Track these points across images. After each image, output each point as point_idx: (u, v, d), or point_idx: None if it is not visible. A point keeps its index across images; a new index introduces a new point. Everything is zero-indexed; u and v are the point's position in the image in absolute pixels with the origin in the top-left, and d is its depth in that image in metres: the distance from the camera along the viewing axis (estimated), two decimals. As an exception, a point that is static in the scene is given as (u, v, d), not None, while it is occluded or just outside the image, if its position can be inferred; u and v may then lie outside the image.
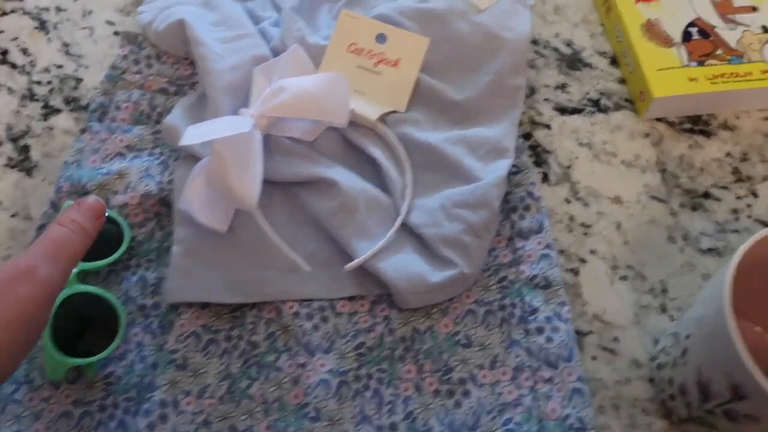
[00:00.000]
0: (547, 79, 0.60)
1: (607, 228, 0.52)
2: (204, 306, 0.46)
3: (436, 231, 0.47)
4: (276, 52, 0.55)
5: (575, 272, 0.50)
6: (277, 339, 0.46)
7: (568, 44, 0.62)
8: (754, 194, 0.54)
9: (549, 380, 0.44)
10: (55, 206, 0.50)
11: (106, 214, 0.42)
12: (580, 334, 0.47)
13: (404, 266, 0.46)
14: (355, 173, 0.50)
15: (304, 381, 0.44)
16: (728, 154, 0.56)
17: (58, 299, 0.40)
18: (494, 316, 0.47)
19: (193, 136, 0.44)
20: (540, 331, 0.45)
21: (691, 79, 0.55)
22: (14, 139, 0.55)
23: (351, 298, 0.47)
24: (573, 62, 0.61)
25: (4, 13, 0.62)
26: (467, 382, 0.44)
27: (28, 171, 0.54)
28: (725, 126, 0.57)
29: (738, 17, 0.59)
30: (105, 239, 0.45)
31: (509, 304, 0.47)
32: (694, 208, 0.53)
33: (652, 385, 0.46)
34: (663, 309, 0.49)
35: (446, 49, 0.55)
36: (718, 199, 0.54)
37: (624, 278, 0.50)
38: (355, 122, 0.52)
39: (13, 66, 0.59)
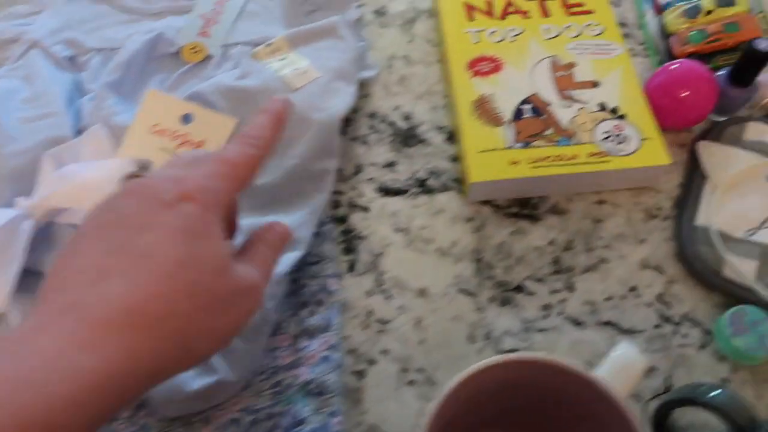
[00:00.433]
0: (376, 157, 0.57)
1: (405, 324, 0.50)
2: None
3: (203, 332, 0.45)
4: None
5: (361, 375, 0.48)
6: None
7: (407, 118, 0.60)
8: (570, 288, 0.51)
9: None
10: None
11: None
12: (352, 444, 0.45)
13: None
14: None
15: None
16: (551, 242, 0.53)
17: None
18: (259, 426, 0.45)
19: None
20: (302, 445, 0.43)
21: (512, 163, 0.53)
22: None
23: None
24: (407, 138, 0.58)
25: None
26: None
27: None
28: (555, 210, 0.55)
29: (577, 93, 0.57)
30: None
31: (278, 413, 0.45)
32: (503, 303, 0.50)
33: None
34: (447, 417, 0.46)
35: (255, 130, 0.53)
36: (531, 293, 0.51)
37: (412, 383, 0.47)
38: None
39: None
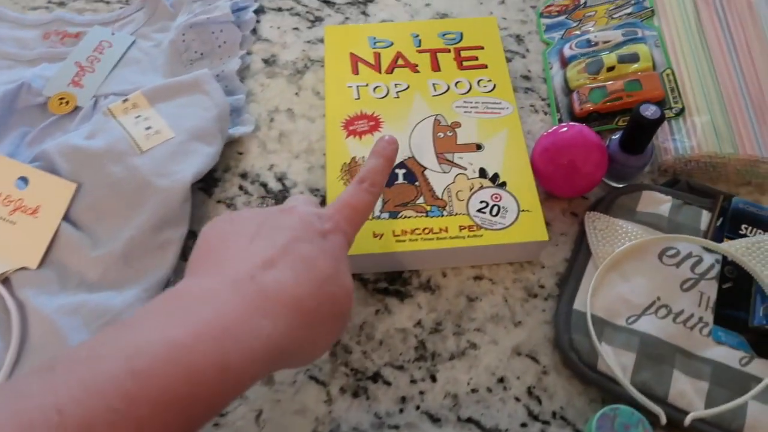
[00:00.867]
0: (241, 222, 0.53)
1: (244, 417, 0.45)
2: None
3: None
4: None
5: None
6: None
7: (281, 178, 0.55)
8: (433, 377, 0.46)
9: None
10: None
11: None
12: None
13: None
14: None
15: None
16: (418, 323, 0.48)
17: None
18: None
19: None
20: None
21: (376, 236, 0.48)
22: None
23: None
24: (278, 201, 0.54)
25: None
26: None
27: None
28: (427, 286, 0.50)
29: (457, 157, 0.52)
30: None
31: None
32: (356, 394, 0.46)
33: None
34: None
35: (97, 195, 0.49)
36: (388, 383, 0.46)
37: (240, 486, 0.43)
38: (-28, 282, 0.46)
39: None
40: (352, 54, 0.58)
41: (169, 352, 0.28)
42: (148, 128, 0.51)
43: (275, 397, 0.45)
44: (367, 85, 0.56)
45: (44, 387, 0.26)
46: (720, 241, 0.49)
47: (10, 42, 0.63)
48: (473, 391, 0.46)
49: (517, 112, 0.54)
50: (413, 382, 0.46)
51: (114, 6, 0.67)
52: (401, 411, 0.45)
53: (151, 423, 0.26)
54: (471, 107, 0.55)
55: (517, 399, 0.45)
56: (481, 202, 0.49)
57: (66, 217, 0.48)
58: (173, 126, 0.51)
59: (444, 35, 0.60)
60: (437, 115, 0.54)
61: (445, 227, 0.48)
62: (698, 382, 0.43)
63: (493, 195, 0.50)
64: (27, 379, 0.27)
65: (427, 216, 0.49)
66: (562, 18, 0.65)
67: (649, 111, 0.48)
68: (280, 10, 0.67)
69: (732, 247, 0.47)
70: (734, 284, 0.47)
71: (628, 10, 0.63)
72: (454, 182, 0.51)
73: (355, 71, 0.57)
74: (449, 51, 0.59)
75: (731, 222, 0.49)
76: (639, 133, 0.49)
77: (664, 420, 0.42)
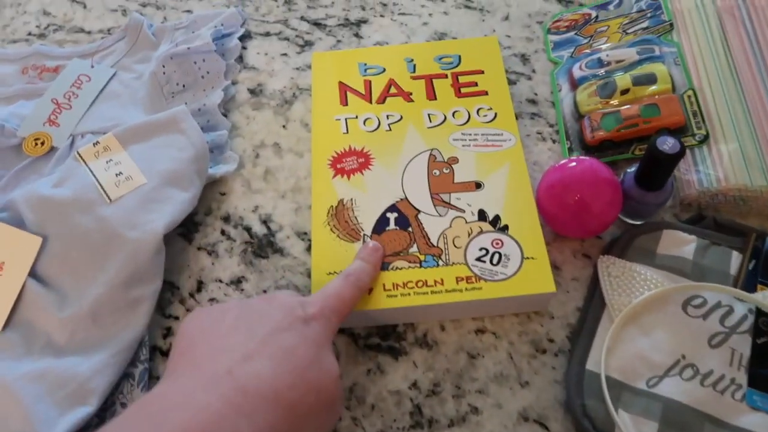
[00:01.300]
0: (223, 271, 0.49)
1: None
2: None
3: None
4: None
5: None
6: None
7: (266, 221, 0.51)
8: (430, 449, 0.42)
9: None
10: None
11: None
12: None
13: None
14: None
15: None
16: (414, 385, 0.44)
17: None
18: None
19: None
20: None
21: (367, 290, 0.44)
22: None
23: None
24: (263, 247, 0.50)
25: None
26: None
27: None
28: (423, 341, 0.45)
29: (455, 198, 0.47)
30: None
31: None
32: (344, 468, 0.41)
33: None
34: None
35: (64, 249, 0.45)
36: (380, 455, 0.42)
37: None
38: (-69, 347, 0.43)
39: None
40: (340, 83, 0.54)
41: None
42: (118, 174, 0.47)
43: (255, 471, 0.41)
44: (356, 117, 0.52)
45: None
46: (753, 287, 0.43)
47: (-13, 78, 0.60)
48: (474, 463, 0.41)
49: (521, 144, 0.50)
50: (407, 453, 0.41)
51: (95, 36, 0.64)
52: (394, 487, 0.41)
53: None
54: (470, 140, 0.50)
55: (524, 473, 0.41)
56: (481, 249, 0.45)
57: (32, 273, 0.45)
58: (146, 170, 0.47)
59: (440, 59, 0.55)
60: (432, 149, 0.50)
61: (440, 279, 0.44)
62: (731, 457, 0.38)
63: (493, 241, 0.45)
64: None
65: (421, 267, 0.44)
66: (571, 34, 0.60)
67: (667, 144, 0.42)
68: (267, 34, 0.63)
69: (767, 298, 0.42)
70: (770, 339, 0.41)
71: (644, 25, 0.57)
72: (450, 227, 0.46)
73: (344, 102, 0.53)
74: (446, 76, 0.54)
75: (765, 265, 0.44)
76: (656, 169, 0.44)
77: (691, 504, 0.37)
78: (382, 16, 0.64)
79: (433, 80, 0.54)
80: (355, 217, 0.47)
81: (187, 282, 0.49)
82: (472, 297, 0.43)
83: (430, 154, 0.49)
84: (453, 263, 0.44)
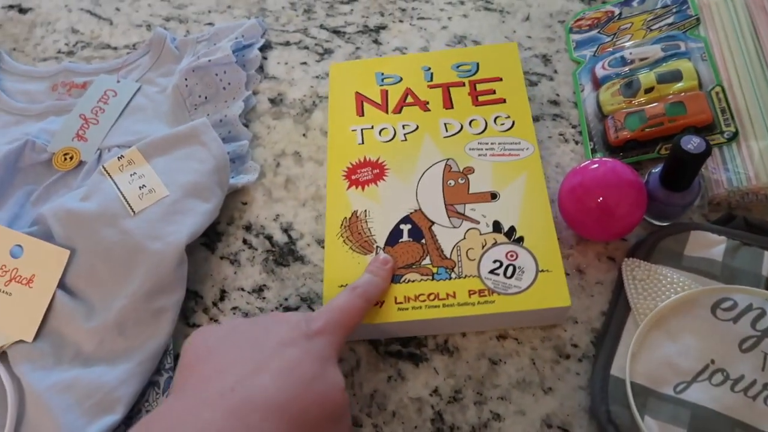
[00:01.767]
0: (245, 280, 0.50)
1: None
2: None
3: None
4: None
5: None
6: None
7: (287, 230, 0.52)
8: (452, 457, 0.41)
9: None
10: None
11: None
12: None
13: None
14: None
15: None
16: (435, 391, 0.43)
17: None
18: None
19: None
20: None
21: (376, 303, 0.43)
22: None
23: None
24: (284, 255, 0.50)
25: None
26: None
27: None
28: (444, 348, 0.45)
29: (469, 209, 0.46)
30: None
31: None
32: (366, 476, 0.41)
33: None
34: None
35: (90, 261, 0.47)
36: (401, 463, 0.41)
37: None
38: (-33, 357, 0.44)
39: None
40: (357, 93, 0.54)
41: None
42: (142, 187, 0.48)
43: (278, 479, 0.41)
44: (372, 128, 0.52)
45: None
46: (786, 289, 0.42)
47: (20, 96, 0.63)
48: (497, 471, 0.40)
49: (538, 153, 0.49)
50: (429, 461, 0.41)
51: (121, 51, 0.66)
52: (416, 496, 0.40)
53: None
54: (486, 149, 0.49)
55: (549, 481, 0.40)
56: (495, 261, 0.44)
57: (61, 285, 0.46)
58: (168, 183, 0.48)
59: (458, 67, 0.55)
60: (448, 159, 0.49)
61: (452, 292, 0.43)
62: (764, 466, 0.37)
63: (508, 253, 0.44)
64: None
65: (433, 279, 0.44)
66: (594, 33, 0.59)
67: (692, 144, 0.41)
68: (287, 44, 0.63)
69: (801, 299, 0.40)
70: (805, 343, 0.40)
71: (669, 20, 0.56)
72: (464, 239, 0.45)
73: (360, 112, 0.53)
74: (464, 85, 0.53)
75: (799, 266, 0.42)
76: (681, 169, 0.43)
77: None
78: (401, 21, 0.64)
79: (450, 89, 0.53)
80: (369, 229, 0.47)
81: (210, 291, 0.49)
82: (485, 311, 0.42)
83: (446, 164, 0.49)
84: (466, 276, 0.44)
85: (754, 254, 0.44)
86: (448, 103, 0.52)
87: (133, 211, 0.47)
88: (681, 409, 0.39)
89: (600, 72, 0.55)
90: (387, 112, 0.53)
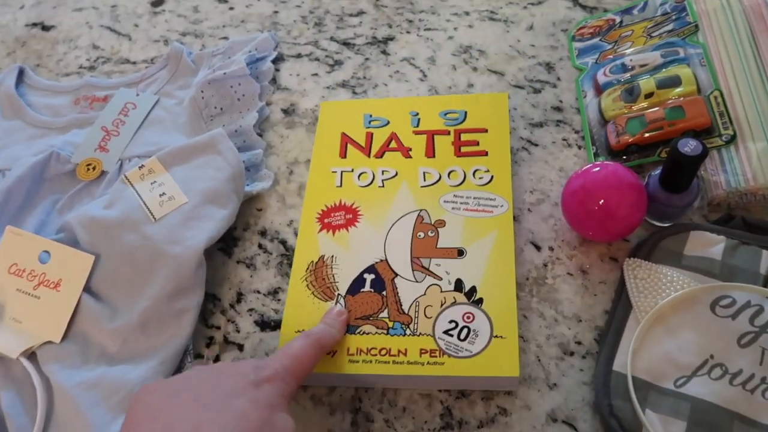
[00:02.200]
0: (260, 283, 0.52)
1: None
2: None
3: None
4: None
5: None
6: None
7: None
8: (460, 450, 0.43)
9: None
10: None
11: None
12: None
13: None
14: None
15: None
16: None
17: None
18: None
19: None
20: None
21: (328, 352, 0.44)
22: None
23: None
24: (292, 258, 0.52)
25: None
26: None
27: None
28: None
29: (435, 263, 0.47)
30: None
31: None
32: (378, 468, 0.43)
33: None
34: None
35: (114, 266, 0.49)
36: (412, 456, 0.43)
37: None
38: (-1, 356, 0.47)
39: None
40: (343, 134, 0.55)
41: None
42: (162, 194, 0.51)
43: (294, 472, 0.43)
44: (352, 171, 0.53)
45: None
46: (784, 286, 0.43)
47: (44, 110, 0.65)
48: (505, 464, 0.42)
49: (512, 211, 0.49)
50: (438, 456, 0.43)
51: (140, 66, 0.68)
52: (426, 488, 0.42)
53: None
54: (461, 203, 0.50)
55: (554, 474, 0.41)
56: (450, 321, 0.44)
57: (86, 288, 0.49)
58: (187, 190, 0.51)
59: (446, 114, 0.55)
60: (421, 210, 0.50)
61: (404, 349, 0.43)
62: (762, 457, 0.38)
63: (465, 314, 0.44)
64: None
65: (387, 333, 0.44)
66: (595, 40, 0.61)
67: (689, 146, 0.43)
68: (299, 56, 0.66)
69: (797, 296, 0.42)
70: (802, 338, 0.41)
71: (669, 27, 0.57)
72: (425, 294, 0.46)
73: (343, 154, 0.54)
74: (448, 133, 0.54)
75: (797, 263, 0.44)
76: (679, 171, 0.44)
77: (721, 503, 0.37)
78: (408, 32, 0.66)
79: (435, 136, 0.54)
80: (333, 275, 0.47)
81: (228, 294, 0.51)
82: (432, 372, 0.42)
83: (418, 215, 0.49)
84: (420, 333, 0.44)
85: (752, 253, 0.45)
86: (431, 152, 0.53)
87: (154, 218, 0.49)
88: (681, 403, 0.40)
89: (602, 78, 0.56)
90: (369, 155, 0.53)
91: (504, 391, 0.44)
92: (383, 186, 0.51)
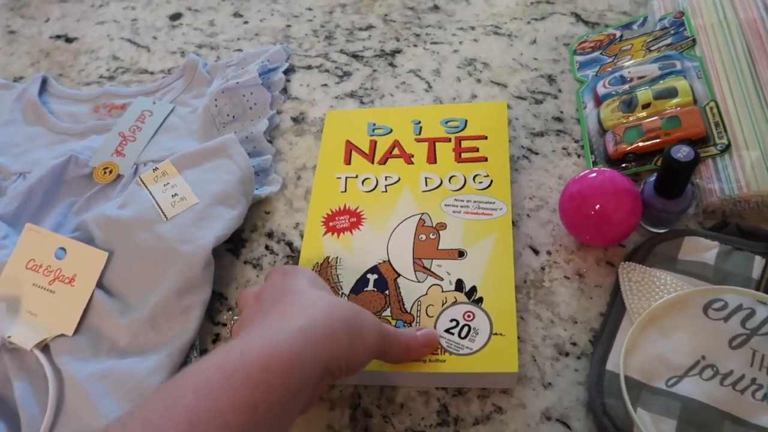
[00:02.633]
0: (266, 282, 0.53)
1: (262, 485, 0.44)
2: None
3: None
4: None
5: None
6: None
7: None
8: (456, 446, 0.44)
9: None
10: None
11: None
12: None
13: None
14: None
15: None
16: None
17: None
18: None
19: None
20: None
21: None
22: None
23: None
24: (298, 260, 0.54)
25: None
26: None
27: None
28: (451, 346, 0.48)
29: (436, 264, 0.48)
30: None
31: None
32: (376, 462, 0.44)
33: None
34: None
35: (126, 263, 0.51)
36: (409, 450, 0.44)
37: None
38: (14, 347, 0.49)
39: None
40: (348, 141, 0.57)
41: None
42: (174, 195, 0.53)
43: (293, 464, 0.45)
44: (356, 177, 0.55)
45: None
46: (775, 291, 0.44)
47: (65, 117, 0.68)
48: (499, 460, 0.43)
49: (510, 214, 0.50)
50: (435, 450, 0.44)
51: (157, 76, 0.71)
52: (422, 482, 0.43)
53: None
54: (461, 206, 0.51)
55: (547, 470, 0.42)
56: (452, 320, 0.45)
57: (99, 284, 0.51)
58: (198, 192, 0.53)
59: (447, 122, 0.57)
60: (423, 214, 0.51)
61: None
62: (751, 455, 0.39)
63: (465, 313, 0.46)
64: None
65: None
66: (596, 54, 0.63)
67: (681, 153, 0.44)
68: (309, 67, 0.68)
69: (788, 299, 0.42)
70: (793, 341, 0.42)
71: (668, 41, 0.59)
72: (426, 294, 0.47)
73: (348, 161, 0.56)
74: (449, 140, 0.55)
75: (789, 268, 0.44)
76: (673, 177, 0.45)
77: (710, 499, 0.37)
78: (415, 45, 0.68)
79: (436, 143, 0.56)
80: (337, 275, 0.49)
81: (234, 293, 0.53)
82: (434, 369, 0.43)
83: (420, 218, 0.51)
84: None
85: (745, 258, 0.46)
86: (432, 158, 0.55)
87: (166, 217, 0.51)
88: (672, 402, 0.41)
89: (601, 90, 0.58)
90: (373, 162, 0.55)
91: (500, 389, 0.45)
92: (386, 191, 0.53)
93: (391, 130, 0.57)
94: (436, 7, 0.72)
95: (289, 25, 0.74)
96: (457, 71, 0.65)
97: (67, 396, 0.47)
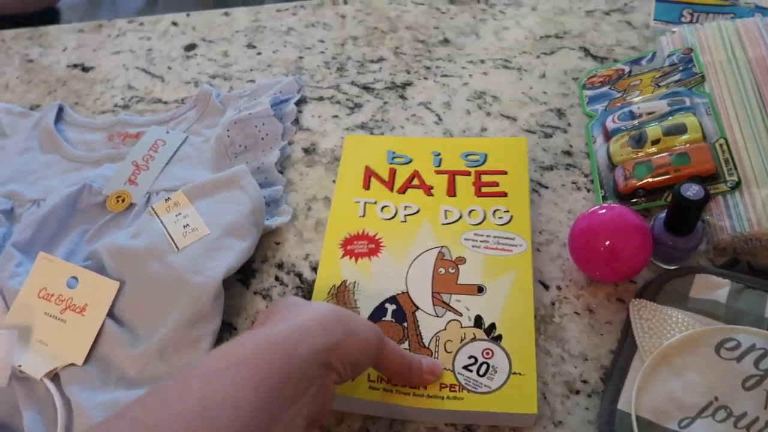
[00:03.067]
0: (275, 314, 0.53)
1: None
2: None
3: None
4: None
5: None
6: None
7: (315, 268, 0.56)
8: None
9: None
10: None
11: None
12: None
13: None
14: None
15: None
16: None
17: None
18: None
19: None
20: None
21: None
22: None
23: None
24: (312, 291, 0.54)
25: None
26: None
27: None
28: None
29: (455, 299, 0.48)
30: None
31: None
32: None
33: None
34: None
35: (137, 293, 0.51)
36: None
37: None
38: (24, 376, 0.49)
39: None
40: (367, 167, 0.57)
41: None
42: (185, 226, 0.53)
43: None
44: (375, 203, 0.55)
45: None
46: (789, 331, 0.44)
47: (80, 145, 0.69)
48: (508, 500, 0.42)
49: (531, 251, 0.50)
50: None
51: (171, 105, 0.72)
52: None
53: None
54: (481, 241, 0.51)
55: None
56: (470, 357, 0.45)
57: (110, 314, 0.51)
58: (209, 222, 0.53)
59: (467, 156, 0.57)
60: (442, 247, 0.51)
61: None
62: (766, 501, 0.38)
63: (484, 350, 0.45)
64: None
65: None
66: (605, 89, 0.63)
67: (691, 191, 0.44)
68: (321, 99, 0.69)
69: (801, 340, 0.42)
70: (807, 382, 0.41)
71: (676, 77, 0.59)
72: (445, 329, 0.47)
73: (367, 186, 0.56)
74: (469, 174, 0.55)
75: (802, 308, 0.44)
76: (683, 215, 0.46)
77: None
78: (425, 78, 0.69)
79: (456, 176, 0.56)
80: (355, 301, 0.49)
81: (244, 323, 0.53)
82: (452, 407, 0.43)
83: (439, 252, 0.51)
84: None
85: (757, 297, 0.46)
86: (452, 191, 0.55)
87: (177, 248, 0.52)
88: (685, 443, 0.40)
89: (610, 125, 0.58)
90: (392, 190, 0.55)
91: (510, 427, 0.45)
92: (405, 221, 0.53)
93: (411, 160, 0.57)
94: (446, 41, 0.73)
95: (301, 57, 0.75)
96: (467, 104, 0.66)
97: (76, 426, 0.47)
